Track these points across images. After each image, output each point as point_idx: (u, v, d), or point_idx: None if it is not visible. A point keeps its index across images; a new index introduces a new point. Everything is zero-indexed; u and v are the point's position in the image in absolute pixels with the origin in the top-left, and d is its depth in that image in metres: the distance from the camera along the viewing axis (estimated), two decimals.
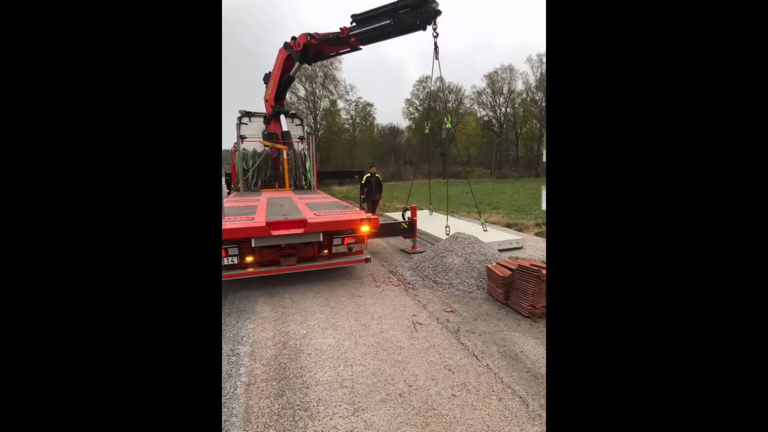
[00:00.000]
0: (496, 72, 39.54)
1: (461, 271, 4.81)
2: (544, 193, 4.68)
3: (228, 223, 4.15)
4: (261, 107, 9.17)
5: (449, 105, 37.53)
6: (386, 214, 10.41)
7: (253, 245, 4.22)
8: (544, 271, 3.71)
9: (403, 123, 45.76)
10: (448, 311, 4.03)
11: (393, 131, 43.54)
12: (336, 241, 4.78)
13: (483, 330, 3.58)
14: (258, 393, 2.62)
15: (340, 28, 6.80)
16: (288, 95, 11.87)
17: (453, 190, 19.13)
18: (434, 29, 5.94)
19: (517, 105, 39.85)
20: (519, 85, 39.72)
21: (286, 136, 8.90)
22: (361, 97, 39.06)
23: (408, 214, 6.27)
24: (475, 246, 5.17)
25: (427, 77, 39.29)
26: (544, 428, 2.26)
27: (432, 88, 31.52)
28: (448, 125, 8.31)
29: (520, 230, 8.45)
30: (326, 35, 7.16)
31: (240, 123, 8.95)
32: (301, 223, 4.41)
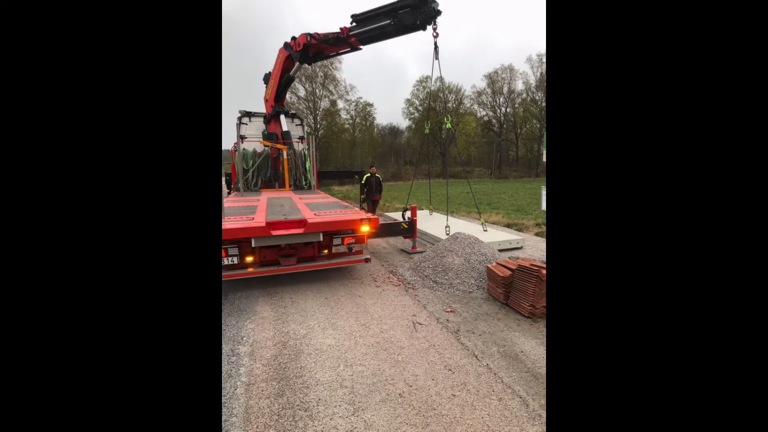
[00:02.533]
0: (496, 72, 39.57)
1: (461, 271, 4.81)
2: (544, 193, 4.68)
3: (228, 223, 4.15)
4: (261, 107, 9.17)
5: (449, 105, 37.54)
6: (386, 214, 10.41)
7: (253, 245, 4.22)
8: (544, 271, 3.71)
9: (403, 123, 45.85)
10: (448, 311, 4.03)
11: (393, 131, 43.56)
12: (336, 241, 4.78)
13: (483, 330, 3.58)
14: (258, 393, 2.62)
15: (340, 28, 6.80)
16: (288, 95, 11.88)
17: (453, 190, 19.14)
18: (434, 29, 5.95)
19: (517, 105, 39.87)
20: (519, 85, 39.80)
21: (286, 136, 8.91)
22: (361, 97, 39.22)
23: (408, 214, 6.27)
24: (475, 246, 5.17)
25: (427, 77, 39.29)
26: (544, 428, 2.26)
27: (432, 88, 31.54)
28: (448, 125, 8.31)
29: (520, 230, 8.45)
30: (326, 35, 7.16)
31: (240, 123, 8.96)
32: (301, 223, 4.41)
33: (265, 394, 2.61)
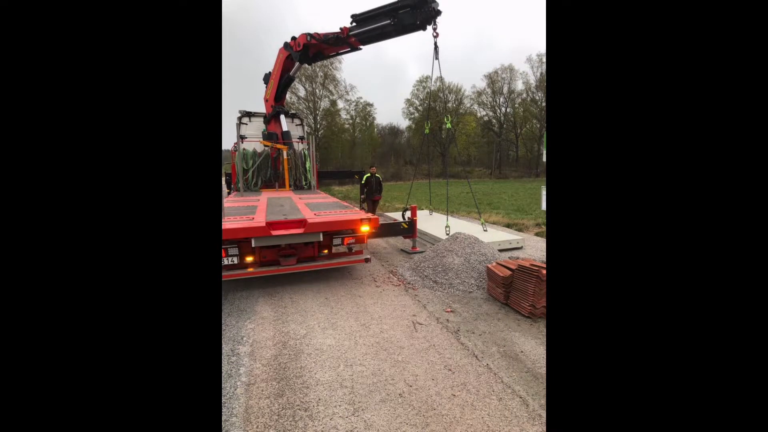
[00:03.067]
0: (496, 72, 39.64)
1: (461, 271, 4.80)
2: (544, 193, 4.68)
3: (228, 223, 4.15)
4: (261, 107, 9.17)
5: (449, 105, 37.56)
6: (386, 214, 10.41)
7: (253, 245, 4.22)
8: (544, 271, 3.71)
9: (403, 123, 45.87)
10: (448, 311, 4.03)
11: (393, 131, 43.58)
12: (336, 241, 4.78)
13: (483, 330, 3.58)
14: (258, 393, 2.62)
15: (340, 28, 6.80)
16: (288, 95, 11.87)
17: (453, 190, 19.14)
18: (434, 29, 5.94)
19: (517, 105, 39.90)
20: (519, 85, 39.83)
21: (286, 136, 8.90)
22: (361, 97, 39.27)
23: (408, 214, 6.27)
24: (475, 246, 5.17)
25: (427, 77, 39.37)
26: (544, 428, 2.26)
27: (432, 88, 31.54)
28: (448, 125, 8.31)
29: (520, 230, 8.45)
30: (326, 35, 7.16)
31: (240, 123, 8.95)
32: (301, 223, 4.41)
33: (265, 394, 2.61)
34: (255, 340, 3.39)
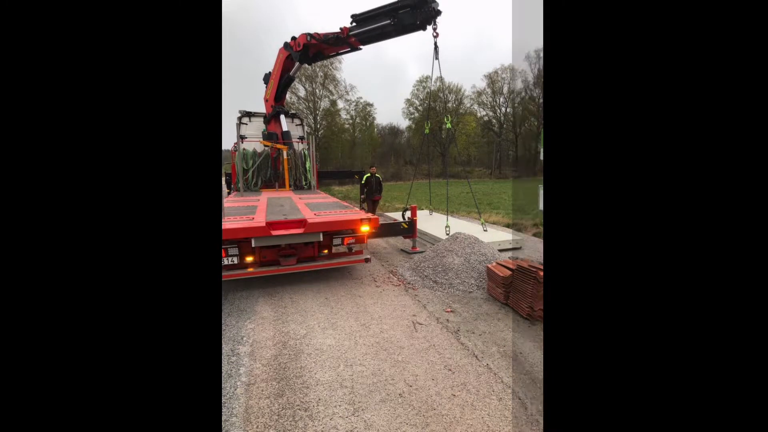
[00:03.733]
0: (496, 72, 39.63)
1: (461, 271, 4.81)
2: (541, 192, 4.68)
3: (228, 223, 4.15)
4: (261, 107, 9.18)
5: (449, 105, 37.57)
6: (386, 214, 10.41)
7: (253, 245, 4.22)
8: (542, 273, 3.71)
9: (403, 123, 45.83)
10: (448, 311, 4.03)
11: (393, 131, 43.55)
12: (336, 241, 4.78)
13: (483, 330, 3.58)
14: (258, 393, 2.62)
15: (340, 28, 6.80)
16: (288, 95, 11.87)
17: (453, 190, 19.14)
18: (434, 29, 5.95)
19: (516, 104, 39.91)
20: (519, 85, 39.83)
21: (286, 136, 8.91)
22: (361, 97, 39.23)
23: (408, 214, 6.27)
24: (475, 246, 5.17)
25: (427, 77, 39.40)
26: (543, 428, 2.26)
27: (432, 88, 31.54)
28: (448, 125, 8.30)
29: (520, 230, 8.45)
30: (326, 35, 7.16)
31: (240, 123, 8.96)
32: (301, 223, 4.41)
33: (265, 394, 2.61)
34: (255, 340, 3.40)
